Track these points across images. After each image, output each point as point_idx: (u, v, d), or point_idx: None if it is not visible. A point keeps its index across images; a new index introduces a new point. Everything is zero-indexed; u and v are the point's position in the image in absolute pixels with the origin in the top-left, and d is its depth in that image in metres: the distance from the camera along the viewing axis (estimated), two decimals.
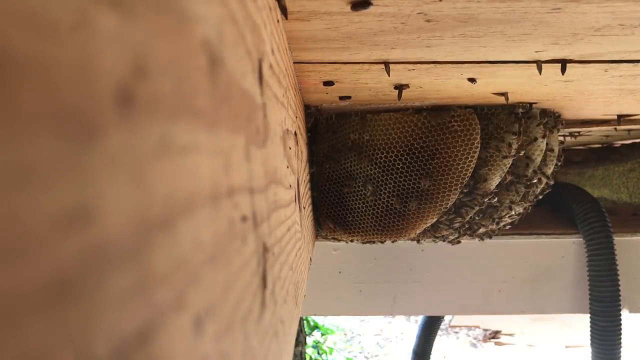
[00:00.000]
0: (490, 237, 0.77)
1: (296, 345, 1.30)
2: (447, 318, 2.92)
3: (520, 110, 0.65)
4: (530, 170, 0.70)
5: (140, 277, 0.09)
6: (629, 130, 0.82)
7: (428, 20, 0.33)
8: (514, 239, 0.92)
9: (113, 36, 0.08)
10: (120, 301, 0.08)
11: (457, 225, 0.71)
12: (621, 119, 0.70)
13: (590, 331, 0.87)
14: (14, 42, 0.06)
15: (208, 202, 0.13)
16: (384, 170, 0.66)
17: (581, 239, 0.90)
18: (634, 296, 0.91)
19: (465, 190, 0.67)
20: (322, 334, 3.14)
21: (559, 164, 0.75)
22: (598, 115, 0.72)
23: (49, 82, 0.07)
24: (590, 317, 0.88)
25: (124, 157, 0.09)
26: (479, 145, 0.62)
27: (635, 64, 0.44)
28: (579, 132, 0.85)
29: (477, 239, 0.77)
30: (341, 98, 0.58)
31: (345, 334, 3.40)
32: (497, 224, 0.74)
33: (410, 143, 0.64)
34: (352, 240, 0.75)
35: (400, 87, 0.52)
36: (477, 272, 0.94)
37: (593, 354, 0.87)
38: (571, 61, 0.43)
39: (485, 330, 3.07)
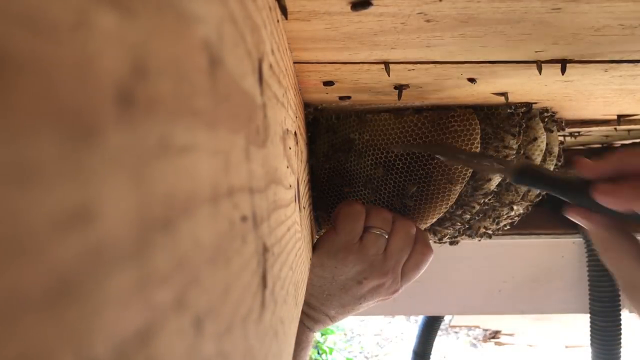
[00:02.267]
0: (490, 237, 0.77)
1: None
2: (447, 318, 2.92)
3: (520, 110, 0.65)
4: None
5: (140, 277, 0.09)
6: (629, 130, 0.82)
7: (428, 20, 0.33)
8: (514, 239, 0.91)
9: (113, 36, 0.08)
10: (120, 301, 0.08)
11: (457, 225, 0.71)
12: (621, 119, 0.70)
13: (590, 331, 0.87)
14: (14, 42, 0.06)
15: (208, 202, 0.13)
16: (384, 170, 0.66)
17: (581, 239, 0.90)
18: None
19: (465, 191, 0.67)
20: (322, 334, 3.14)
21: (559, 164, 0.75)
22: (598, 115, 0.72)
23: (48, 82, 0.07)
24: (590, 317, 0.88)
25: (124, 157, 0.09)
26: (479, 145, 0.62)
27: (635, 64, 0.44)
28: (579, 132, 0.85)
29: (477, 239, 0.77)
30: (341, 98, 0.58)
31: (345, 334, 3.40)
32: (497, 224, 0.74)
33: (410, 143, 0.63)
34: None
35: (400, 87, 0.52)
36: (477, 272, 0.94)
37: (593, 354, 0.87)
38: (571, 61, 0.43)
39: (485, 330, 3.07)
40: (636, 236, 0.44)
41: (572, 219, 0.45)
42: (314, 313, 0.66)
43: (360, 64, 0.44)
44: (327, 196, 0.70)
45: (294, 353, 0.34)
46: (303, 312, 0.63)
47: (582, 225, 0.45)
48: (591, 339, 0.87)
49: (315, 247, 0.63)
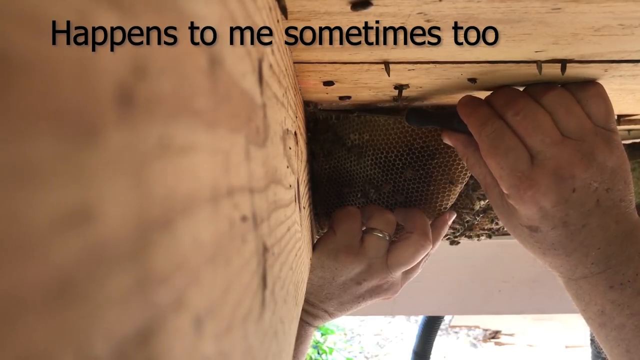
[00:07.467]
0: (490, 237, 0.77)
1: None
2: (447, 318, 2.92)
3: None
4: None
5: (140, 277, 0.09)
6: (629, 130, 0.82)
7: (428, 20, 0.33)
8: (514, 239, 0.91)
9: (113, 36, 0.08)
10: (120, 301, 0.08)
11: (456, 225, 0.71)
12: (621, 119, 0.70)
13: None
14: (14, 42, 0.06)
15: (208, 202, 0.13)
16: (384, 170, 0.66)
17: None
18: None
19: (465, 190, 0.67)
20: (322, 334, 3.14)
21: None
22: None
23: (48, 82, 0.07)
24: None
25: (123, 157, 0.09)
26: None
27: (635, 64, 0.44)
28: None
29: (476, 239, 0.77)
30: (341, 98, 0.58)
31: (345, 334, 3.39)
32: (497, 223, 0.74)
33: (410, 143, 0.63)
34: None
35: (400, 87, 0.52)
36: (477, 272, 0.94)
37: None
38: (571, 61, 0.43)
39: (485, 330, 3.07)
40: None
41: (445, 141, 0.58)
42: (313, 309, 0.66)
43: (360, 64, 0.44)
44: (327, 196, 0.70)
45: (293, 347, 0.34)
46: (302, 309, 0.63)
47: (453, 145, 0.57)
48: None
49: (315, 249, 0.63)
